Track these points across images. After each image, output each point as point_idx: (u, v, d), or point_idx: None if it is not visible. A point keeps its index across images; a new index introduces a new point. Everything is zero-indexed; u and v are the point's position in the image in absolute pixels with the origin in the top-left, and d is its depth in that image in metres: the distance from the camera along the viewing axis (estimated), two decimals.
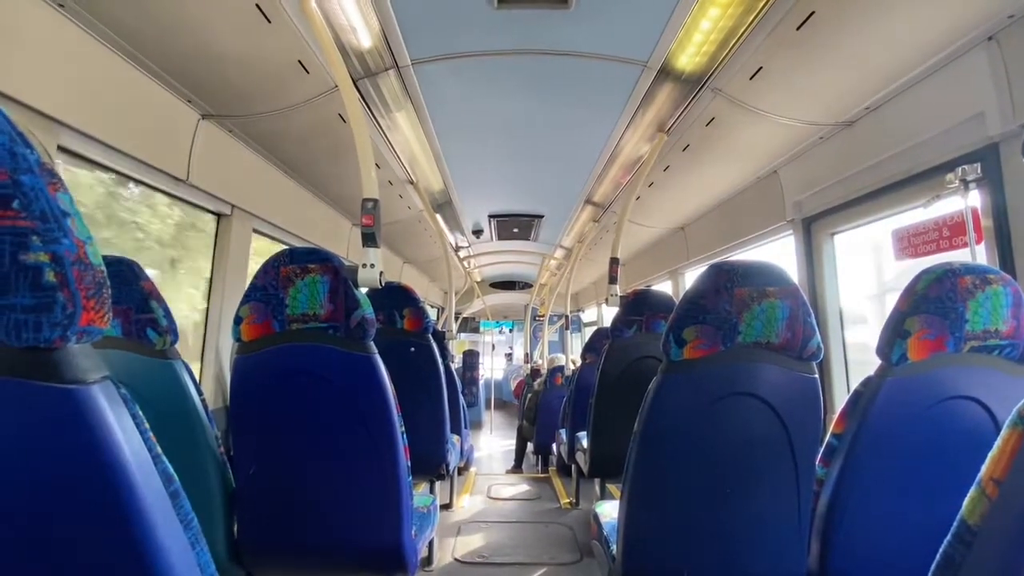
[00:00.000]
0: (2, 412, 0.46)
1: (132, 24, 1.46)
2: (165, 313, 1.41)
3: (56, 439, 0.47)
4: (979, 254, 1.52)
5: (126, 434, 0.50)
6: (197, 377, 1.53)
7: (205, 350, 2.21)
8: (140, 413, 0.53)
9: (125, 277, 1.39)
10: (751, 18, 1.61)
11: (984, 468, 0.53)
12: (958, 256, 1.63)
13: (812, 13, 1.47)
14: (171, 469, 0.56)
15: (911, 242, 1.81)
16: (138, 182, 1.84)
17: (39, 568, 0.48)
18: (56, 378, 0.47)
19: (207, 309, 2.25)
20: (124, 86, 1.61)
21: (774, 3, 1.51)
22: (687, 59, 1.88)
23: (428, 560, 2.39)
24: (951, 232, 1.66)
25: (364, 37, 1.81)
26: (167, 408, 1.38)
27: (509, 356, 11.22)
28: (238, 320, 1.39)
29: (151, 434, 0.54)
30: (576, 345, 8.69)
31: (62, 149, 1.48)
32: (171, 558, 0.51)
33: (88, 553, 0.49)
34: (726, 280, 1.20)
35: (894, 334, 1.13)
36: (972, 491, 0.53)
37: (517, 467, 5.42)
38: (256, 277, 1.40)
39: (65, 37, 1.39)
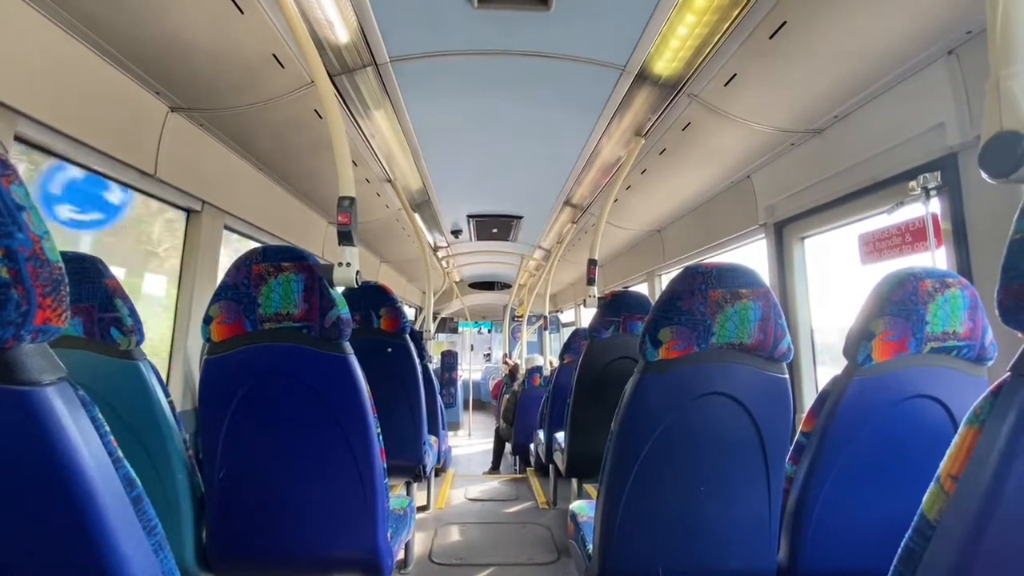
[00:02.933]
0: None
1: (96, 10, 1.40)
2: (130, 312, 1.35)
3: (9, 444, 0.45)
4: (939, 257, 1.59)
5: (84, 438, 0.47)
6: (165, 378, 1.48)
7: (173, 350, 2.14)
8: (100, 416, 0.51)
9: (88, 274, 1.34)
10: (726, 26, 1.64)
11: (942, 464, 0.55)
12: (919, 259, 1.70)
13: (784, 23, 1.51)
14: (133, 474, 0.53)
15: (876, 246, 1.87)
16: (102, 175, 1.77)
17: None
18: (8, 380, 0.44)
19: (175, 308, 2.18)
20: (87, 75, 1.55)
21: (748, 12, 1.55)
22: (664, 64, 1.91)
23: (404, 562, 2.37)
24: (913, 237, 1.73)
25: (341, 32, 1.78)
26: (132, 411, 1.33)
27: (488, 356, 11.21)
28: (208, 320, 1.35)
29: (112, 438, 0.52)
30: (555, 346, 8.74)
31: (19, 139, 1.42)
32: (133, 566, 0.49)
33: (45, 562, 0.47)
34: (700, 282, 1.23)
35: (860, 336, 1.17)
36: (931, 487, 0.55)
37: (495, 468, 5.42)
38: (227, 275, 1.36)
39: (24, 23, 1.33)
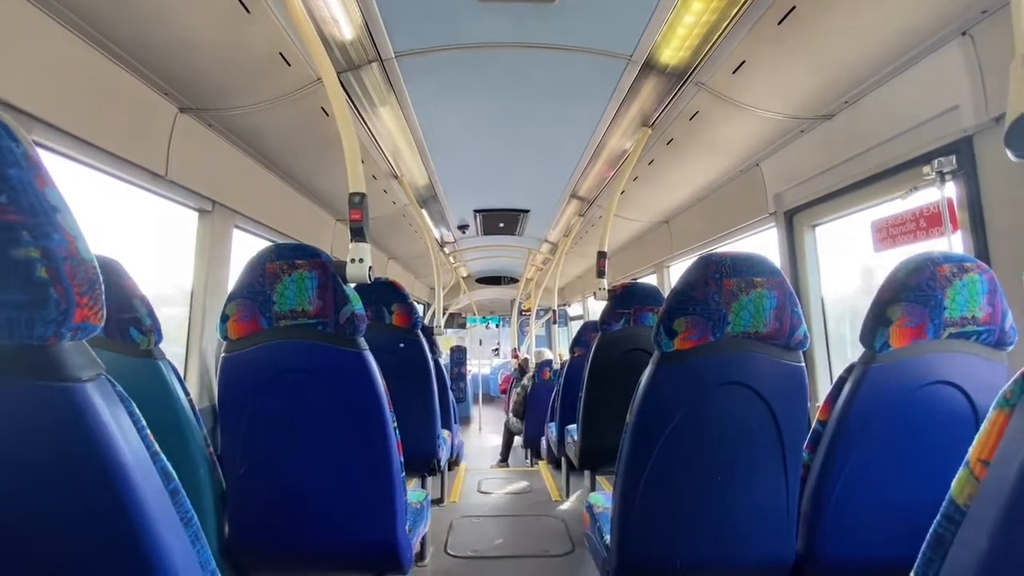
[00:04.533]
0: None
1: (105, 13, 1.41)
2: (148, 312, 1.37)
3: (53, 438, 0.46)
4: (955, 243, 1.57)
5: (124, 432, 0.49)
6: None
7: (188, 349, 2.16)
8: (137, 411, 0.52)
9: (105, 276, 1.35)
10: (734, 12, 1.62)
11: (972, 449, 0.54)
12: (935, 245, 1.68)
13: (793, 8, 1.49)
14: (170, 467, 0.55)
15: (890, 232, 1.86)
16: (115, 177, 1.78)
17: (40, 569, 0.47)
18: (51, 376, 0.45)
19: (190, 307, 2.21)
20: (98, 78, 1.56)
21: None
22: (671, 53, 1.90)
23: (421, 555, 2.39)
24: (928, 222, 1.71)
25: (346, 29, 1.78)
26: (154, 408, 1.34)
27: (496, 351, 11.23)
28: (224, 318, 1.36)
29: (149, 432, 0.53)
30: (563, 339, 8.74)
31: (35, 144, 1.43)
32: (173, 556, 0.50)
33: (90, 553, 0.48)
34: (715, 271, 1.22)
35: (876, 322, 1.16)
36: (960, 472, 0.55)
37: (503, 460, 5.47)
38: (242, 274, 1.37)
39: (35, 27, 1.34)
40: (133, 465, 0.48)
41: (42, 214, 0.44)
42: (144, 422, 0.53)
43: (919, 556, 0.57)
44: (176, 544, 0.51)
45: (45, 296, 0.44)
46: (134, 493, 0.48)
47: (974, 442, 0.54)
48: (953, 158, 1.54)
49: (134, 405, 0.52)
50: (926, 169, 1.60)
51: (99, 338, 1.35)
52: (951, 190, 1.59)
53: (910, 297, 1.14)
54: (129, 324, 1.35)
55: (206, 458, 1.42)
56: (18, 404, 0.45)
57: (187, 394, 1.42)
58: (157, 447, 0.54)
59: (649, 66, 2.00)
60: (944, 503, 0.55)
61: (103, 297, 0.49)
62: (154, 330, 1.38)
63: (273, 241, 2.72)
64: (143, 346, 1.37)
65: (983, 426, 0.53)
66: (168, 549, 0.50)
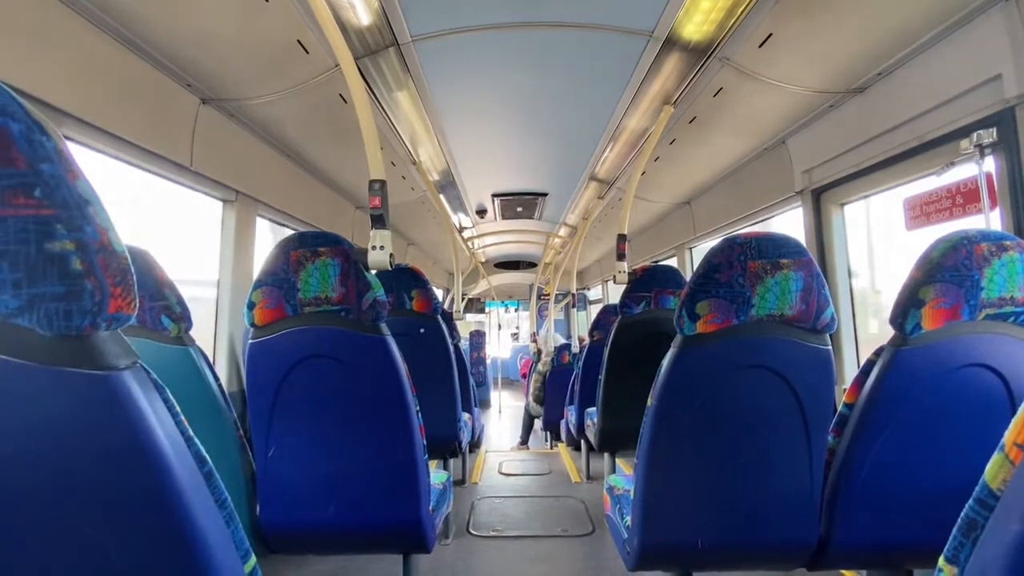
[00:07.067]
0: (37, 399, 0.47)
1: (127, 6, 1.43)
2: (178, 300, 1.41)
3: (92, 425, 0.48)
4: (993, 220, 1.51)
5: (159, 418, 0.51)
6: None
7: (216, 335, 2.23)
8: (171, 398, 0.54)
9: (136, 265, 1.39)
10: None
11: (1008, 433, 0.52)
12: (971, 223, 1.61)
13: None
14: (203, 451, 0.57)
15: (924, 210, 1.79)
16: (142, 169, 1.83)
17: (80, 553, 0.50)
18: (89, 364, 0.47)
19: (216, 295, 2.27)
20: (122, 71, 1.59)
21: None
22: (694, 28, 1.84)
23: (444, 534, 2.45)
24: (964, 199, 1.64)
25: (363, 14, 1.77)
26: (186, 393, 1.39)
27: (515, 336, 11.29)
28: (251, 305, 1.39)
29: (183, 417, 0.55)
30: (583, 323, 8.73)
31: (66, 139, 1.47)
32: (209, 537, 0.52)
33: (129, 536, 0.50)
34: (739, 253, 1.19)
35: (908, 304, 1.13)
36: (995, 456, 0.53)
37: (524, 443, 5.54)
38: (267, 262, 1.40)
39: (61, 23, 1.37)
40: (169, 450, 0.50)
41: (75, 207, 0.45)
42: (178, 408, 0.55)
43: (949, 540, 0.56)
44: (211, 525, 0.53)
45: (80, 288, 0.45)
46: (170, 476, 0.50)
47: (1011, 425, 0.52)
48: (994, 131, 1.46)
49: (168, 392, 0.54)
50: (964, 143, 1.53)
51: (132, 326, 1.40)
52: (990, 165, 1.51)
53: (945, 277, 1.10)
54: (160, 312, 1.39)
55: (236, 442, 1.47)
56: (59, 392, 0.47)
57: (217, 379, 1.47)
58: (191, 432, 0.56)
59: (671, 42, 1.94)
60: (977, 487, 0.54)
61: (135, 287, 0.51)
62: (184, 317, 1.42)
63: (295, 229, 2.77)
64: (174, 333, 1.41)
65: (1021, 409, 0.51)
66: (204, 530, 0.52)
